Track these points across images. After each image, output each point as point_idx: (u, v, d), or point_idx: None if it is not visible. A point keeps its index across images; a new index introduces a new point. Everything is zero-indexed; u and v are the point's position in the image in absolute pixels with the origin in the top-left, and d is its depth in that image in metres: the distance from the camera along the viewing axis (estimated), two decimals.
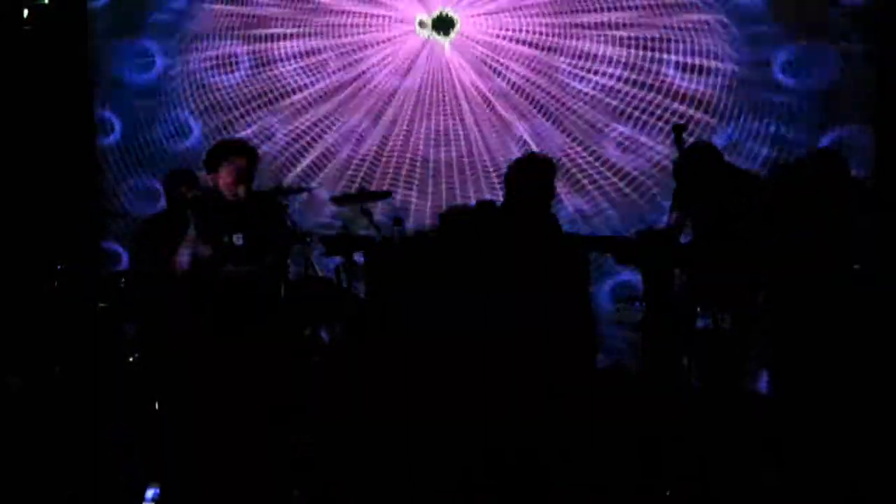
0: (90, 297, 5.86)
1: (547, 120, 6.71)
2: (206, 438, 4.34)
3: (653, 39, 6.51)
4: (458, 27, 6.82)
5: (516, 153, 6.43)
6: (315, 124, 7.04)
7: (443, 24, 6.83)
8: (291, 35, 7.02)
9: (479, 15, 6.79)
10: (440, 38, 6.84)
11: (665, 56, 6.49)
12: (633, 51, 6.54)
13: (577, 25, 6.64)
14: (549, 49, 6.69)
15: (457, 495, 4.38)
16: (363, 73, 6.96)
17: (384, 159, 6.95)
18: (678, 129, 4.76)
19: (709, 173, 4.95)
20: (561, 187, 6.67)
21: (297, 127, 7.06)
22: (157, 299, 5.10)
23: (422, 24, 6.83)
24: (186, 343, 4.45)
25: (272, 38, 7.04)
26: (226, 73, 7.11)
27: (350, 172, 6.98)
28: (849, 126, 6.20)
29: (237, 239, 4.30)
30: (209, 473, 4.27)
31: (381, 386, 5.31)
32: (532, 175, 4.80)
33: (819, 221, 4.56)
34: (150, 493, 4.42)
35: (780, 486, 4.23)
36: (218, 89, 7.13)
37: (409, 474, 4.54)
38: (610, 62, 6.58)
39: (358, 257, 6.10)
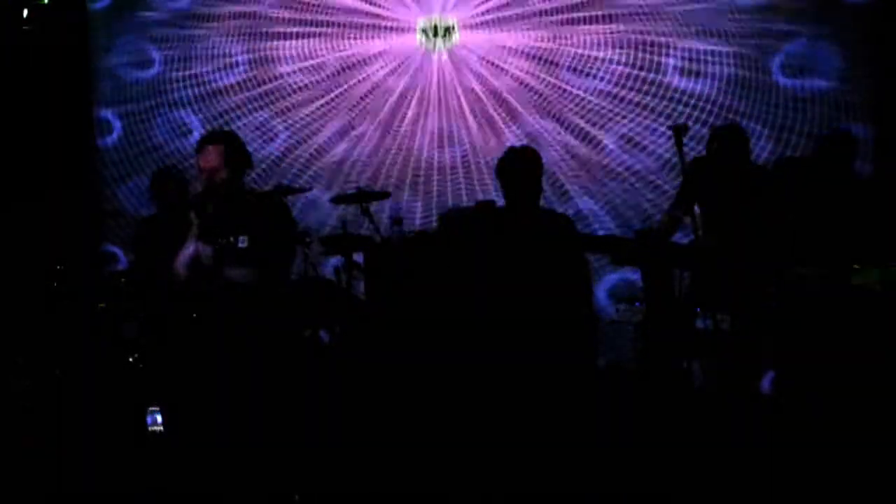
0: (90, 297, 5.85)
1: (546, 120, 6.71)
2: (205, 440, 4.34)
3: (652, 42, 6.52)
4: (457, 31, 6.82)
5: None
6: (315, 125, 7.04)
7: (443, 29, 6.83)
8: (292, 36, 7.02)
9: (478, 19, 6.79)
10: (440, 42, 6.84)
11: (665, 57, 6.50)
12: (632, 51, 6.55)
13: (575, 29, 6.64)
14: (549, 51, 6.69)
15: (456, 495, 4.38)
16: (363, 74, 6.96)
17: (384, 160, 6.96)
18: (678, 130, 4.75)
19: (733, 177, 4.95)
20: (560, 187, 6.69)
21: (296, 127, 7.06)
22: (158, 300, 5.10)
23: (424, 31, 6.84)
24: (186, 344, 4.44)
25: (272, 39, 7.04)
26: (226, 74, 7.12)
27: (350, 173, 6.99)
28: (849, 124, 6.21)
29: (241, 241, 4.29)
30: (208, 474, 4.27)
31: (381, 386, 5.31)
32: (516, 167, 4.81)
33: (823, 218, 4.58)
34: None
35: (781, 486, 4.24)
36: (218, 90, 7.14)
37: (409, 474, 4.54)
38: (609, 63, 6.59)
39: (358, 257, 6.11)
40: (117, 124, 7.29)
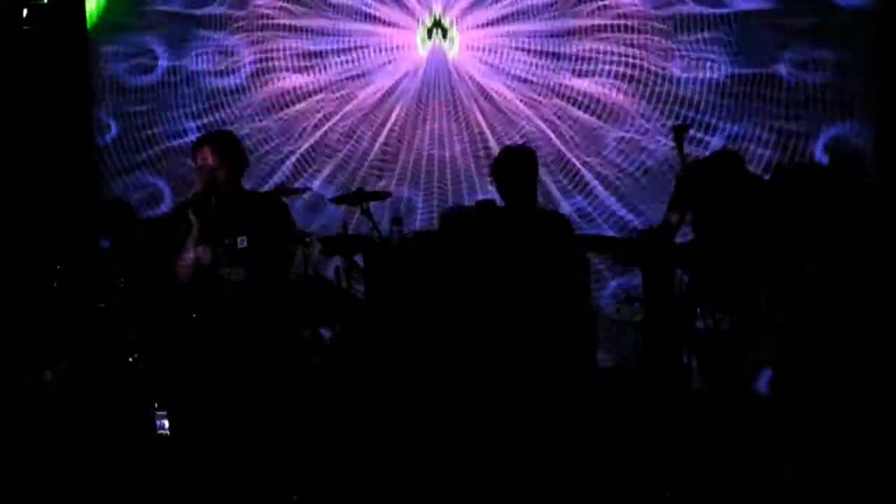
0: (90, 297, 5.85)
1: (547, 119, 6.71)
2: (204, 440, 4.34)
3: (654, 41, 6.51)
4: (457, 30, 6.82)
5: None
6: (315, 125, 7.04)
7: (443, 28, 6.83)
8: (293, 36, 7.02)
9: (478, 18, 6.79)
10: (440, 41, 6.84)
11: (667, 56, 6.49)
12: (634, 50, 6.54)
13: (577, 27, 6.64)
14: (550, 51, 6.69)
15: (456, 496, 4.38)
16: (364, 73, 6.96)
17: (384, 159, 6.96)
18: (679, 130, 4.75)
19: (728, 183, 4.94)
20: (561, 187, 6.69)
21: (296, 127, 7.06)
22: (157, 301, 5.10)
23: (424, 30, 6.84)
24: (185, 345, 4.44)
25: (273, 39, 7.04)
26: (225, 74, 7.11)
27: (350, 173, 6.99)
28: (849, 123, 6.21)
29: (241, 242, 4.29)
30: (207, 474, 4.27)
31: (381, 386, 5.31)
32: (512, 166, 4.81)
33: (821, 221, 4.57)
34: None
35: (780, 486, 4.24)
36: (217, 89, 7.13)
37: (409, 474, 4.54)
38: (611, 62, 6.58)
39: (358, 257, 6.11)
40: (117, 124, 7.29)
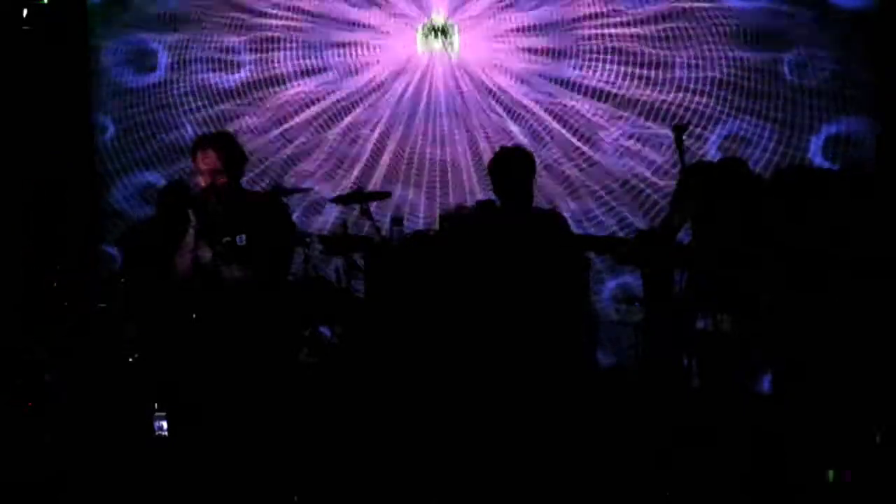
0: (90, 297, 5.86)
1: (547, 120, 6.71)
2: (204, 440, 4.35)
3: (656, 38, 6.51)
4: (457, 32, 6.82)
5: None
6: (315, 125, 7.04)
7: (443, 30, 6.83)
8: (293, 37, 7.02)
9: (479, 20, 6.79)
10: (441, 43, 6.84)
11: (669, 54, 6.49)
12: (636, 49, 6.54)
13: (578, 26, 6.64)
14: (550, 50, 6.69)
15: (455, 496, 4.38)
16: (364, 73, 6.96)
17: (384, 159, 6.96)
18: (678, 130, 4.74)
19: (730, 193, 4.93)
20: (560, 188, 6.69)
21: (296, 127, 7.06)
22: (157, 300, 5.11)
23: (425, 32, 6.84)
24: (185, 344, 4.45)
25: (274, 41, 7.04)
26: (224, 73, 7.11)
27: (350, 173, 6.99)
28: (848, 122, 6.22)
29: (239, 239, 4.30)
30: (207, 474, 4.28)
31: (381, 386, 5.32)
32: (508, 167, 4.81)
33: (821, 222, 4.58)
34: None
35: (780, 486, 4.24)
36: (216, 89, 7.13)
37: (409, 475, 4.54)
38: (612, 62, 6.58)
39: (358, 258, 6.11)
40: (116, 124, 7.29)
